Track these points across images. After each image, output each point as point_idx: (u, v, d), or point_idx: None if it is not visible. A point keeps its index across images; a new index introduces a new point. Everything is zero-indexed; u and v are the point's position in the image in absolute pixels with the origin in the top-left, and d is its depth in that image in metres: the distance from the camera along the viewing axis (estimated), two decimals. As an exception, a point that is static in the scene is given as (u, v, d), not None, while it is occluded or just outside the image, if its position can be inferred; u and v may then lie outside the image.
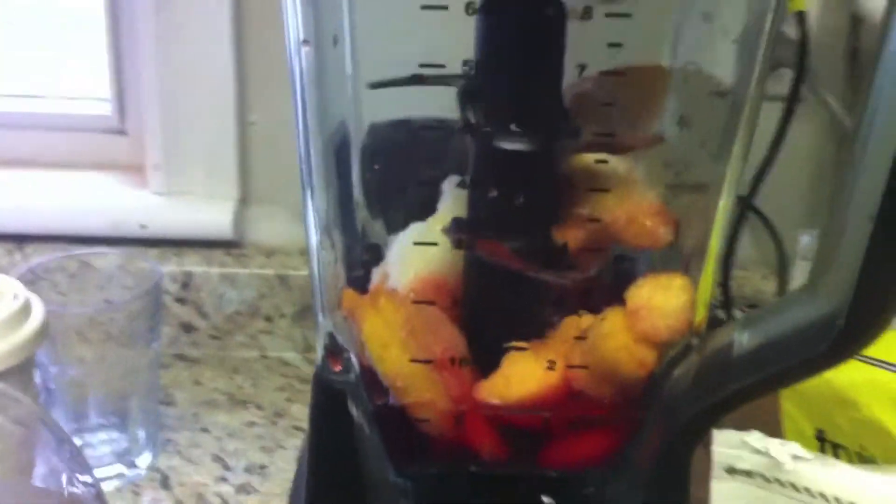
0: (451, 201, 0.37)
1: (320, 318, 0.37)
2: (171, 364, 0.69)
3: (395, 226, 0.39)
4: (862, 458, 0.42)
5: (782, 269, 0.70)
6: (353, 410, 0.35)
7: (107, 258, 0.60)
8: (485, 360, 0.35)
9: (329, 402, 0.35)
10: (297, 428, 0.63)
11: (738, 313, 0.66)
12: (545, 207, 0.36)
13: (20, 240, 0.70)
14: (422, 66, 0.35)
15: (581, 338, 0.34)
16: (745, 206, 0.66)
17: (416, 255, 0.37)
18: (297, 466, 0.46)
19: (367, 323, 0.35)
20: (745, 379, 0.32)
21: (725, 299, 0.65)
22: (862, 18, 0.66)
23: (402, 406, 0.35)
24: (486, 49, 0.34)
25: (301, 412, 0.64)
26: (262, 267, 0.69)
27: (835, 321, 0.29)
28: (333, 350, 0.36)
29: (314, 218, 0.40)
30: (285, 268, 0.69)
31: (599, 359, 0.34)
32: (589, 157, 0.36)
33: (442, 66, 0.36)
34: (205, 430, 0.62)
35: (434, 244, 0.37)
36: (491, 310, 0.37)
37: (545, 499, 0.36)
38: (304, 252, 0.70)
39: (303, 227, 0.70)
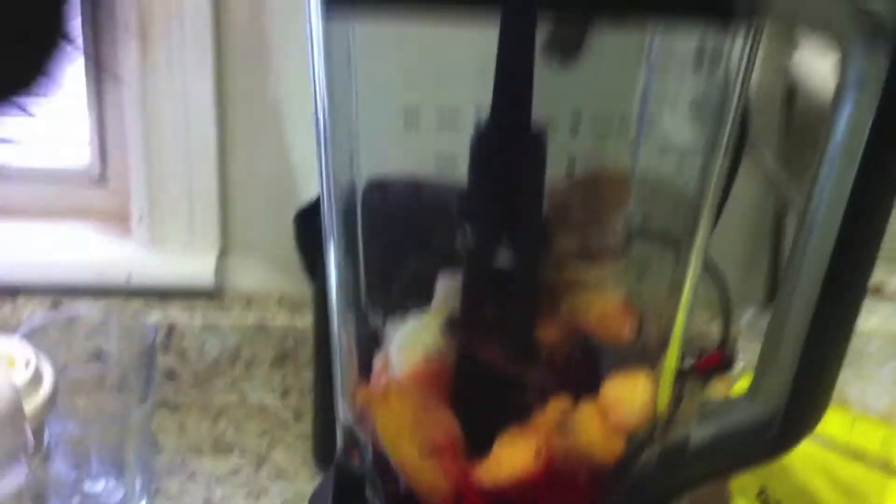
0: (447, 297, 0.43)
1: (340, 411, 0.42)
2: (156, 410, 0.72)
3: (393, 309, 0.44)
4: (798, 520, 0.49)
5: (726, 315, 0.76)
6: (369, 494, 0.40)
7: (95, 312, 0.64)
8: (477, 445, 0.41)
9: (349, 487, 0.40)
10: (280, 473, 0.67)
11: (686, 360, 0.72)
12: (529, 311, 0.41)
13: (8, 292, 0.73)
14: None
15: (562, 431, 0.40)
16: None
17: (417, 346, 0.42)
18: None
19: (381, 418, 0.40)
20: (699, 467, 0.38)
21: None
22: (796, 86, 0.71)
23: (412, 491, 0.40)
24: (479, 174, 0.40)
25: (282, 457, 0.69)
26: (241, 315, 0.74)
27: (772, 423, 0.35)
28: (352, 443, 0.41)
29: (335, 292, 0.44)
30: (263, 316, 0.74)
31: (576, 446, 0.40)
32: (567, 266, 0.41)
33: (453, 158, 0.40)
34: (193, 476, 0.66)
35: (431, 338, 0.42)
36: (481, 400, 0.42)
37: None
38: (281, 301, 0.75)
39: (280, 276, 0.75)
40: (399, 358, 0.42)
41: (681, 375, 0.70)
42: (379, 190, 0.44)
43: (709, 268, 0.77)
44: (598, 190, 0.43)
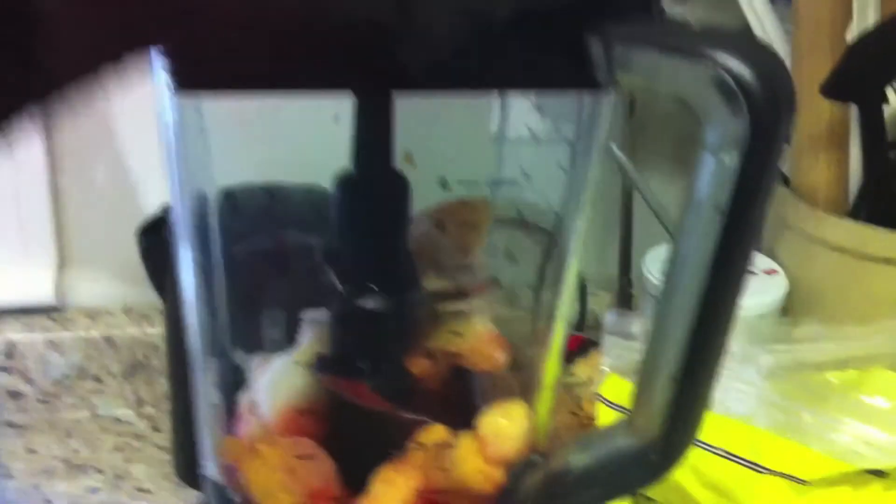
0: (313, 337, 0.41)
1: (208, 469, 0.40)
2: (2, 433, 0.68)
3: (254, 349, 0.43)
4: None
5: (582, 295, 0.78)
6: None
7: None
8: (354, 485, 0.40)
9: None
10: (141, 490, 0.65)
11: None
12: (400, 349, 0.40)
13: None
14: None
15: (441, 468, 0.39)
16: (552, 240, 0.73)
17: (284, 388, 0.41)
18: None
19: (251, 470, 0.39)
20: (578, 496, 0.39)
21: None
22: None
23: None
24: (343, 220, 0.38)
25: (142, 472, 0.66)
26: (86, 329, 0.70)
27: (649, 453, 0.36)
28: (220, 499, 0.39)
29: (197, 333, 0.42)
30: (110, 328, 0.70)
31: (456, 479, 0.40)
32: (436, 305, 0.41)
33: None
34: (48, 501, 0.63)
35: (300, 378, 0.41)
36: (356, 439, 0.41)
37: None
38: (127, 310, 0.71)
39: (124, 286, 0.71)
40: (267, 402, 0.41)
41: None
42: (235, 201, 0.42)
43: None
44: (460, 217, 0.43)
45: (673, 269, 0.34)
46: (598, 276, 0.80)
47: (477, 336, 0.41)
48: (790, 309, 0.66)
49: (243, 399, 0.42)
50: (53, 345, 0.69)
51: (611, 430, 0.38)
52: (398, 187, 0.38)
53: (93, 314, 0.71)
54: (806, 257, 0.68)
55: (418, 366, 0.41)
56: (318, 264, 0.39)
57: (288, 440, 0.40)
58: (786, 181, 0.71)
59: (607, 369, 0.52)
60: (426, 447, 0.41)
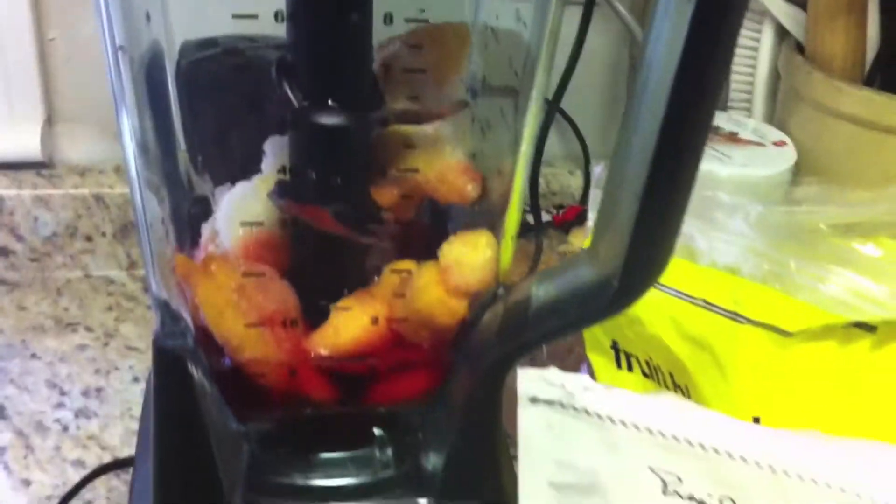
0: (274, 163, 0.40)
1: (153, 285, 0.39)
2: (-9, 290, 0.68)
3: (220, 178, 0.41)
4: (649, 366, 0.49)
5: (587, 166, 0.76)
6: (193, 370, 0.38)
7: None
8: (314, 314, 0.39)
9: (169, 366, 0.37)
10: (130, 348, 0.65)
11: (545, 215, 0.72)
12: (363, 173, 0.39)
13: None
14: (234, 16, 0.37)
15: (401, 295, 0.38)
16: (552, 109, 0.71)
17: (245, 214, 0.40)
18: (140, 420, 0.48)
19: (201, 289, 0.38)
20: (542, 328, 0.37)
21: (534, 198, 0.71)
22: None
23: (238, 364, 0.38)
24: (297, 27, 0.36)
25: (132, 331, 0.66)
26: (76, 187, 0.69)
27: (611, 282, 0.34)
28: (170, 318, 0.38)
29: (135, 167, 0.41)
30: (100, 186, 0.69)
31: (416, 310, 0.38)
32: (400, 126, 0.39)
33: (255, 16, 0.37)
34: (35, 356, 0.63)
35: (260, 205, 0.39)
36: (317, 268, 0.40)
37: (376, 430, 0.41)
38: (119, 170, 0.70)
39: (116, 145, 0.70)
40: (226, 227, 0.39)
41: (540, 228, 0.70)
42: (195, 52, 0.40)
43: (568, 121, 0.76)
44: (438, 41, 0.40)
45: (641, 71, 0.32)
46: (604, 150, 0.78)
47: (446, 165, 0.40)
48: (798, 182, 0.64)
49: (205, 229, 0.41)
50: (42, 201, 0.68)
51: (573, 261, 0.36)
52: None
53: (82, 171, 0.70)
54: (818, 128, 0.65)
55: (384, 195, 0.39)
56: (275, 80, 0.37)
57: (242, 265, 0.38)
58: (801, 50, 0.68)
59: (592, 224, 0.50)
60: (387, 277, 0.39)
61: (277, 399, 0.40)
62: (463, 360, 0.40)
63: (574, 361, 0.55)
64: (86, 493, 0.53)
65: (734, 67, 0.72)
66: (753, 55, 0.73)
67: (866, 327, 0.45)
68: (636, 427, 0.39)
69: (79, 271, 0.71)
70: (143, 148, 0.38)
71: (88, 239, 0.70)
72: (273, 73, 0.37)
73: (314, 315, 0.39)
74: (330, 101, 0.37)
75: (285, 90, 0.37)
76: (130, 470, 0.53)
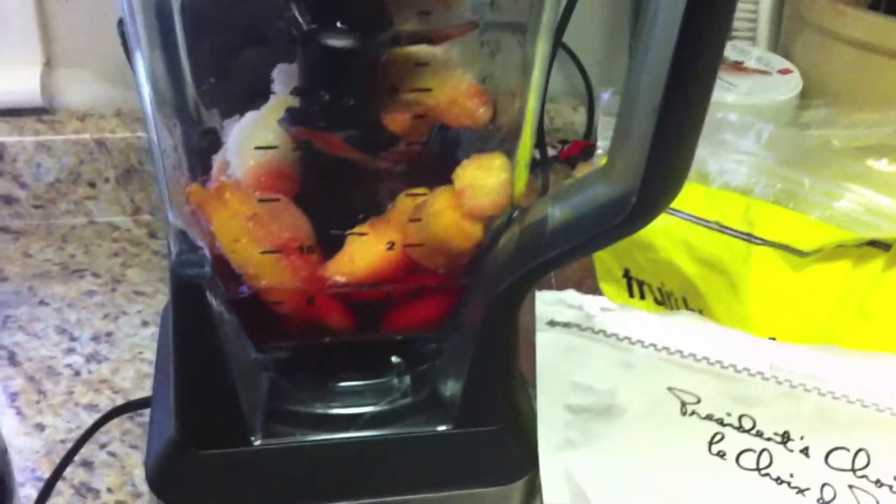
0: (284, 90, 0.39)
1: (170, 214, 0.39)
2: (-4, 237, 0.68)
3: (229, 110, 0.41)
4: (662, 293, 0.49)
5: (591, 100, 0.76)
6: (211, 299, 0.38)
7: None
8: (329, 242, 0.39)
9: (187, 295, 0.37)
10: (137, 293, 0.64)
11: (550, 150, 0.71)
12: (373, 97, 0.38)
13: None
14: None
15: (416, 219, 0.38)
16: (555, 44, 0.70)
17: (256, 142, 0.39)
18: (157, 360, 0.48)
19: (216, 217, 0.37)
20: (558, 248, 0.37)
21: (540, 133, 0.70)
22: None
23: (255, 291, 0.38)
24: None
25: (138, 276, 0.66)
26: (77, 132, 0.68)
27: (629, 198, 0.34)
28: (187, 247, 0.38)
29: (149, 98, 0.40)
30: (101, 131, 0.69)
31: (432, 234, 0.38)
32: (410, 48, 0.38)
33: None
34: (43, 302, 0.63)
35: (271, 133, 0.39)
36: (330, 195, 0.39)
37: (394, 359, 0.41)
38: (120, 114, 0.70)
39: (116, 88, 0.70)
40: (237, 156, 0.39)
41: (547, 163, 0.70)
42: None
43: (570, 55, 0.75)
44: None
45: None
46: (606, 84, 0.77)
47: (457, 88, 0.39)
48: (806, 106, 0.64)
49: (216, 160, 0.40)
50: (44, 147, 0.67)
51: (589, 179, 0.36)
52: None
53: (82, 116, 0.69)
54: (823, 54, 0.65)
55: (395, 121, 0.39)
56: (283, 5, 0.37)
57: (256, 191, 0.38)
58: (805, -25, 0.67)
59: (602, 153, 0.50)
60: (402, 202, 0.39)
61: (295, 327, 0.39)
62: (479, 285, 0.40)
63: (586, 292, 0.55)
64: (100, 436, 0.53)
65: (738, -4, 0.72)
66: (757, -17, 0.72)
67: (881, 246, 0.44)
68: (654, 347, 0.39)
69: (83, 217, 0.70)
70: (154, 86, 0.38)
71: (91, 185, 0.69)
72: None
73: (329, 242, 0.39)
74: (338, 24, 0.36)
75: (293, 13, 0.36)
76: (143, 412, 0.53)
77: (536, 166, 0.67)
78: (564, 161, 0.71)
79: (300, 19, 0.36)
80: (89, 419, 0.54)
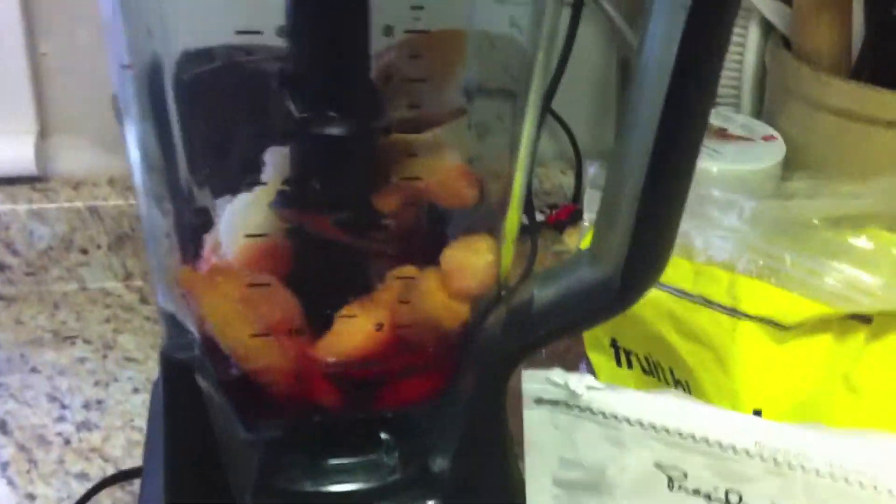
0: (276, 173, 0.40)
1: (160, 298, 0.39)
2: (-12, 305, 0.68)
3: (221, 190, 0.41)
4: (649, 362, 0.50)
5: (579, 165, 0.77)
6: (201, 381, 0.38)
7: None
8: (319, 322, 0.39)
9: (178, 377, 0.38)
10: (129, 359, 0.65)
11: (539, 215, 0.72)
12: (364, 181, 0.39)
13: None
14: (238, 32, 0.37)
15: (405, 301, 0.39)
16: (544, 110, 0.71)
17: (247, 224, 0.40)
18: (147, 431, 0.49)
19: (206, 300, 0.38)
20: (544, 328, 0.38)
21: (528, 201, 0.71)
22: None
23: (245, 373, 0.39)
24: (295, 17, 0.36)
25: (129, 342, 0.66)
26: (70, 200, 0.69)
27: (613, 282, 0.35)
28: (176, 330, 0.38)
29: (142, 181, 0.41)
30: (95, 199, 0.69)
31: (421, 315, 0.39)
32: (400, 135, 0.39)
33: (259, 32, 0.37)
34: (35, 370, 0.63)
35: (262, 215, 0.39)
36: (321, 276, 0.40)
37: (383, 435, 0.42)
38: (113, 182, 0.70)
39: (108, 157, 0.70)
40: (229, 238, 0.40)
41: (535, 228, 0.71)
42: (194, 63, 0.40)
43: (559, 121, 0.77)
44: (434, 48, 0.41)
45: (636, 73, 0.32)
46: (595, 149, 0.78)
47: (446, 170, 0.40)
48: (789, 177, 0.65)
49: (208, 240, 0.41)
50: (37, 215, 0.68)
51: (574, 262, 0.37)
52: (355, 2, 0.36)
53: (76, 184, 0.70)
54: (806, 122, 0.66)
55: (385, 202, 0.40)
56: (276, 92, 0.38)
57: (246, 274, 0.39)
58: (787, 45, 0.69)
59: (588, 224, 0.51)
60: (391, 283, 0.40)
61: (285, 406, 0.40)
62: (468, 363, 0.40)
63: (573, 359, 0.56)
64: (91, 506, 0.53)
65: (721, 63, 0.73)
66: (740, 51, 0.73)
67: (862, 319, 0.45)
68: (640, 424, 0.39)
69: (75, 284, 0.71)
70: (146, 162, 0.38)
71: (84, 251, 0.70)
72: (273, 85, 0.37)
73: (319, 323, 0.39)
74: (330, 112, 0.37)
75: (286, 101, 0.37)
76: (134, 482, 0.53)
77: (525, 231, 0.68)
78: (552, 225, 0.72)
79: (293, 107, 0.37)
80: (80, 488, 0.54)
